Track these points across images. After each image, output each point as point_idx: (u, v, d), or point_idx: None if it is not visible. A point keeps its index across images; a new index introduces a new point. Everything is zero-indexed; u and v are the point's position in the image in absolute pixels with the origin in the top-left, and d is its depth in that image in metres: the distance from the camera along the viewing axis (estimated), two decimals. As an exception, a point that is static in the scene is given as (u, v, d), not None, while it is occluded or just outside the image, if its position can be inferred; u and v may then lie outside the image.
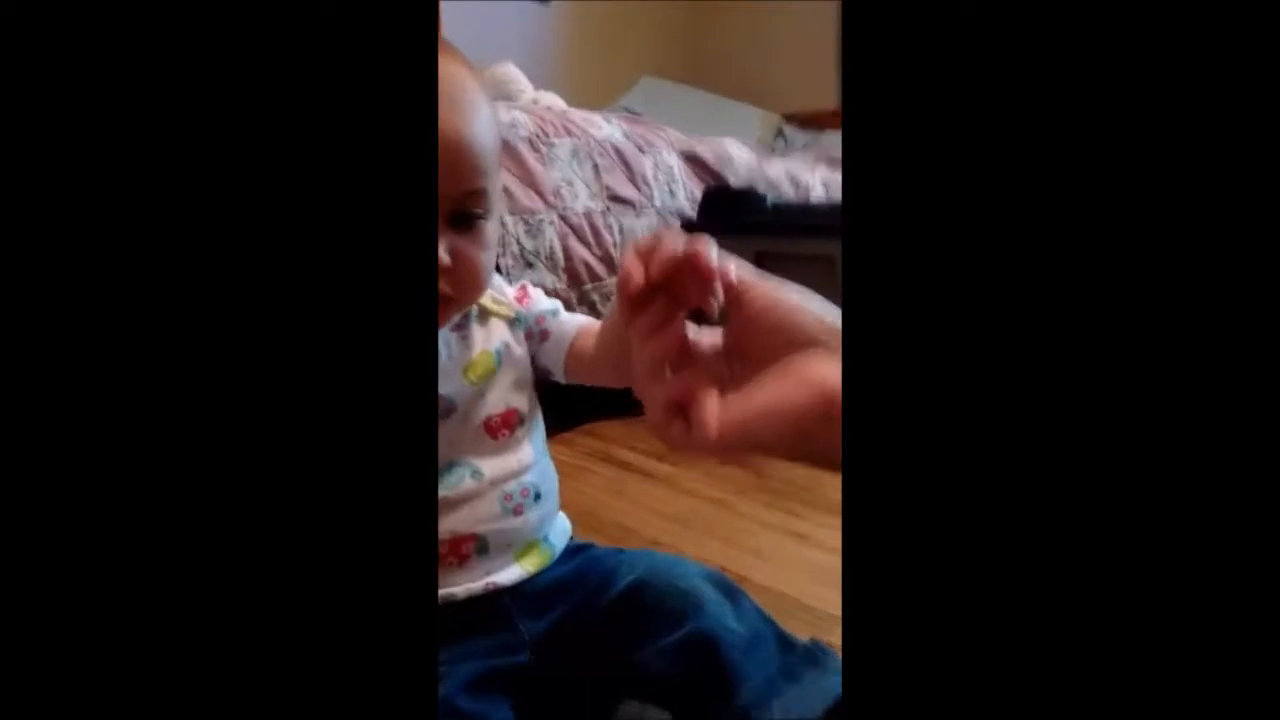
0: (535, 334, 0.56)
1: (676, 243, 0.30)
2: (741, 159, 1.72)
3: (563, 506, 0.58)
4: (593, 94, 2.35)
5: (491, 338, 0.53)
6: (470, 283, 0.47)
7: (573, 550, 0.56)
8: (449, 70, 0.45)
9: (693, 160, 1.63)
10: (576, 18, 2.60)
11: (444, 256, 0.45)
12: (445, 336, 0.51)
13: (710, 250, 0.29)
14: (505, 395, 0.53)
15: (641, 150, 1.54)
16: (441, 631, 0.47)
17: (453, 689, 0.45)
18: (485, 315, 0.54)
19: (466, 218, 0.46)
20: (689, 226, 1.53)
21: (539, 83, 2.02)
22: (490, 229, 0.48)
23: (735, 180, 1.65)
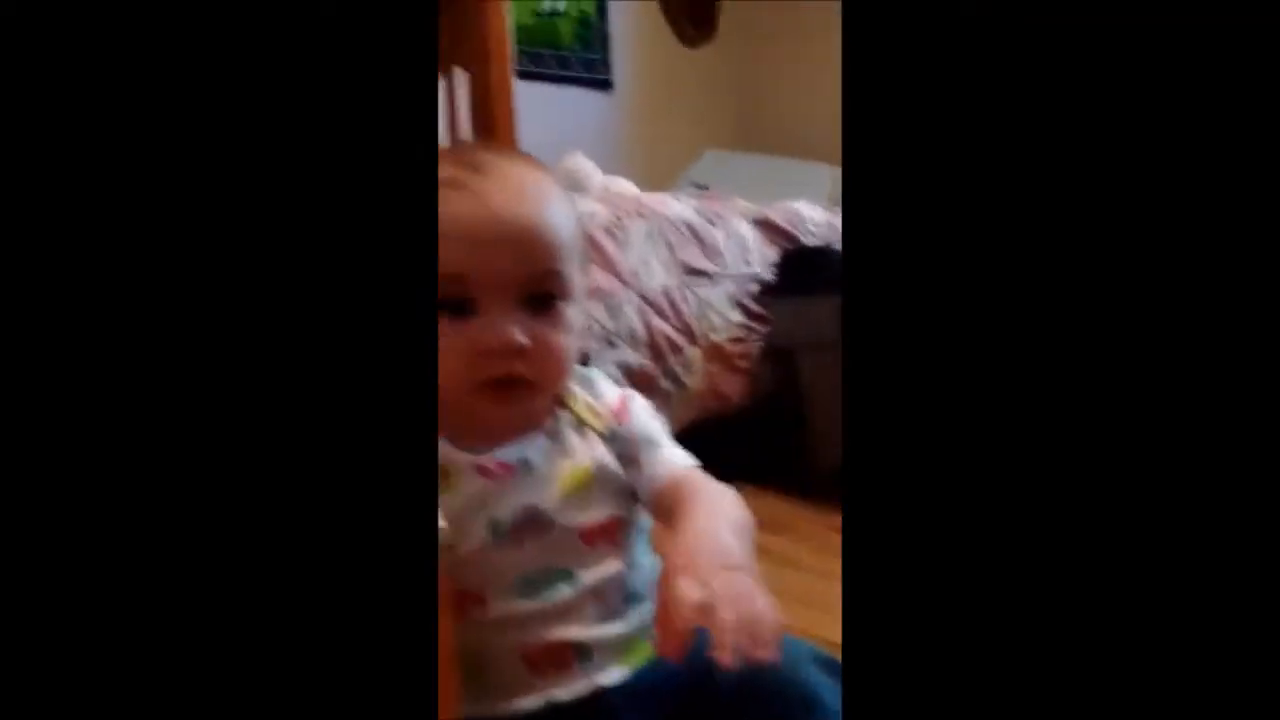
0: (627, 458, 0.53)
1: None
2: (814, 218, 1.72)
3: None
4: (659, 172, 2.43)
5: (590, 452, 0.52)
6: (550, 366, 0.48)
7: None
8: (516, 169, 0.49)
9: (765, 225, 1.64)
10: (638, 100, 2.72)
11: (521, 339, 0.46)
12: (539, 443, 0.51)
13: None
14: (604, 506, 0.52)
15: (712, 223, 1.57)
16: None
17: None
18: (582, 425, 0.52)
19: (543, 300, 0.47)
20: (767, 290, 1.53)
21: (607, 168, 2.10)
22: (570, 313, 0.49)
23: (810, 240, 1.65)
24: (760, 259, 1.59)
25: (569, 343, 0.49)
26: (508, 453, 0.50)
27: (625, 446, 0.54)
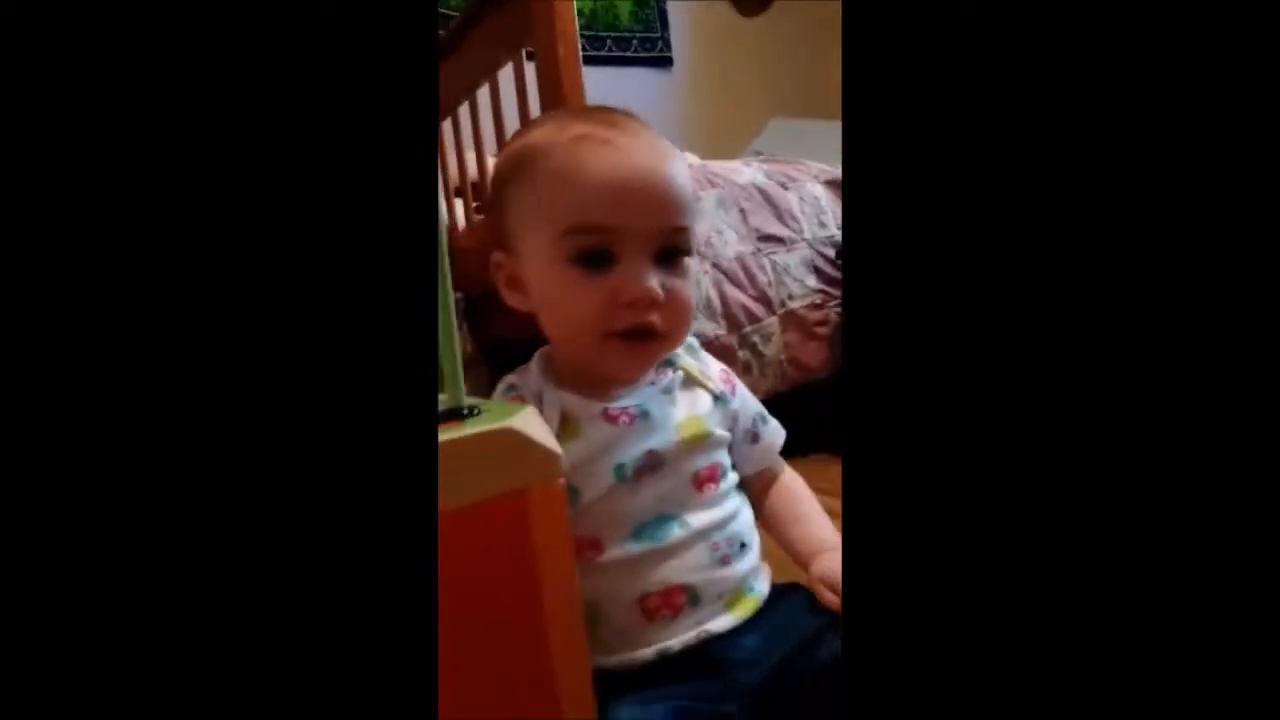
0: (746, 431, 0.57)
1: None
2: (888, 178, 1.66)
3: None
4: (725, 144, 2.40)
5: (698, 405, 0.55)
6: (680, 318, 0.50)
7: (779, 593, 0.55)
8: (644, 129, 0.51)
9: (838, 186, 1.60)
10: (699, 75, 2.69)
11: (657, 289, 0.48)
12: (654, 395, 0.53)
13: None
14: (711, 454, 0.54)
15: (785, 187, 1.54)
16: (658, 683, 0.47)
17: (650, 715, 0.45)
18: (690, 382, 0.55)
19: (673, 254, 0.49)
20: (843, 252, 1.49)
21: (673, 144, 2.09)
22: (692, 268, 0.52)
23: (885, 200, 1.60)
24: (835, 221, 1.55)
25: (693, 296, 0.52)
26: (627, 402, 0.52)
27: (734, 416, 0.57)
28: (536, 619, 0.29)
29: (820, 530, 0.57)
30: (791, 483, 0.60)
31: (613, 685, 0.45)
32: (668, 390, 0.54)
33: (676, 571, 0.50)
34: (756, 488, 0.59)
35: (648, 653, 0.49)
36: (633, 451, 0.51)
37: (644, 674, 0.48)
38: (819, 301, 1.50)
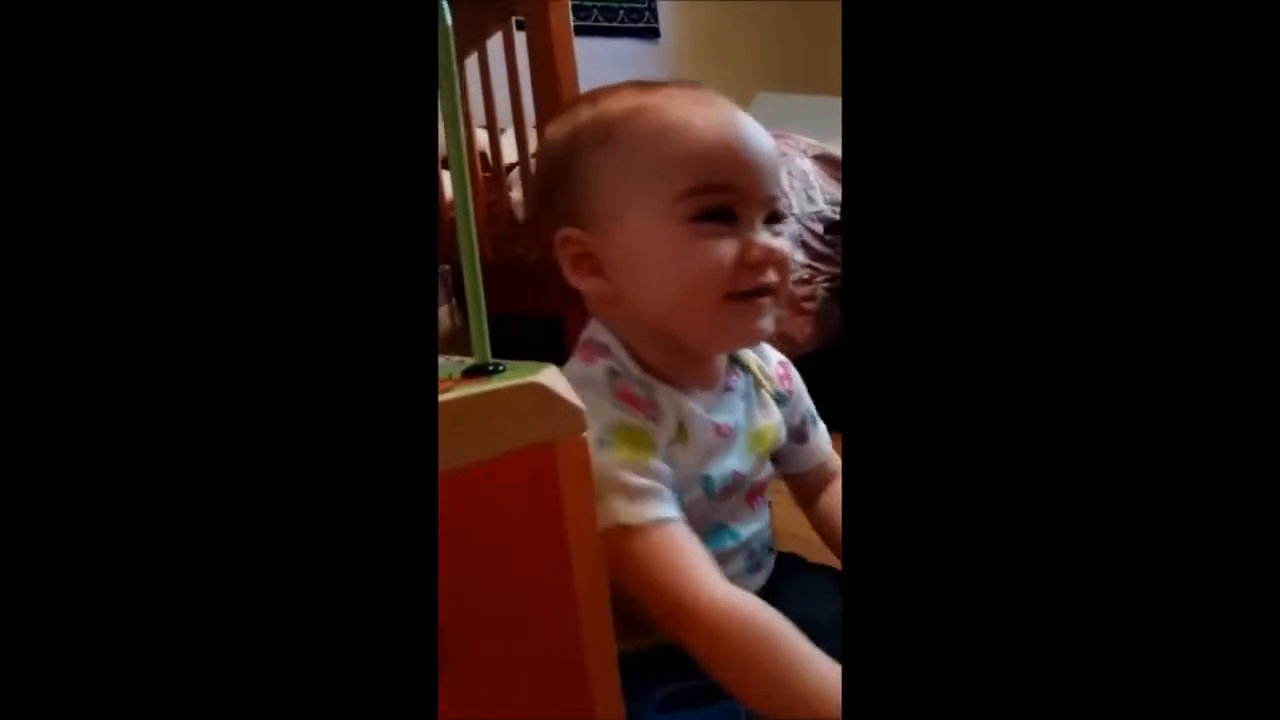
0: (796, 430, 0.56)
1: None
2: (876, 153, 1.67)
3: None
4: (711, 118, 2.39)
5: (769, 413, 0.54)
6: (787, 280, 0.49)
7: (782, 563, 0.57)
8: (734, 111, 0.48)
9: (826, 161, 1.61)
10: (686, 47, 2.67)
11: (775, 245, 0.47)
12: (739, 406, 0.52)
13: None
14: (769, 465, 0.55)
15: (773, 161, 1.54)
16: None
17: (645, 709, 0.44)
18: (759, 388, 0.54)
19: (775, 218, 0.49)
20: (832, 228, 1.50)
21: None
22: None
23: (873, 175, 1.61)
24: (824, 196, 1.56)
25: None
26: (724, 415, 0.51)
27: (791, 416, 0.57)
28: (563, 570, 0.30)
29: None
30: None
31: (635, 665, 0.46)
32: (746, 397, 0.53)
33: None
34: (809, 485, 0.58)
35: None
36: (723, 468, 0.50)
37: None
38: (806, 277, 1.51)
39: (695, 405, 0.49)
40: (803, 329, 1.51)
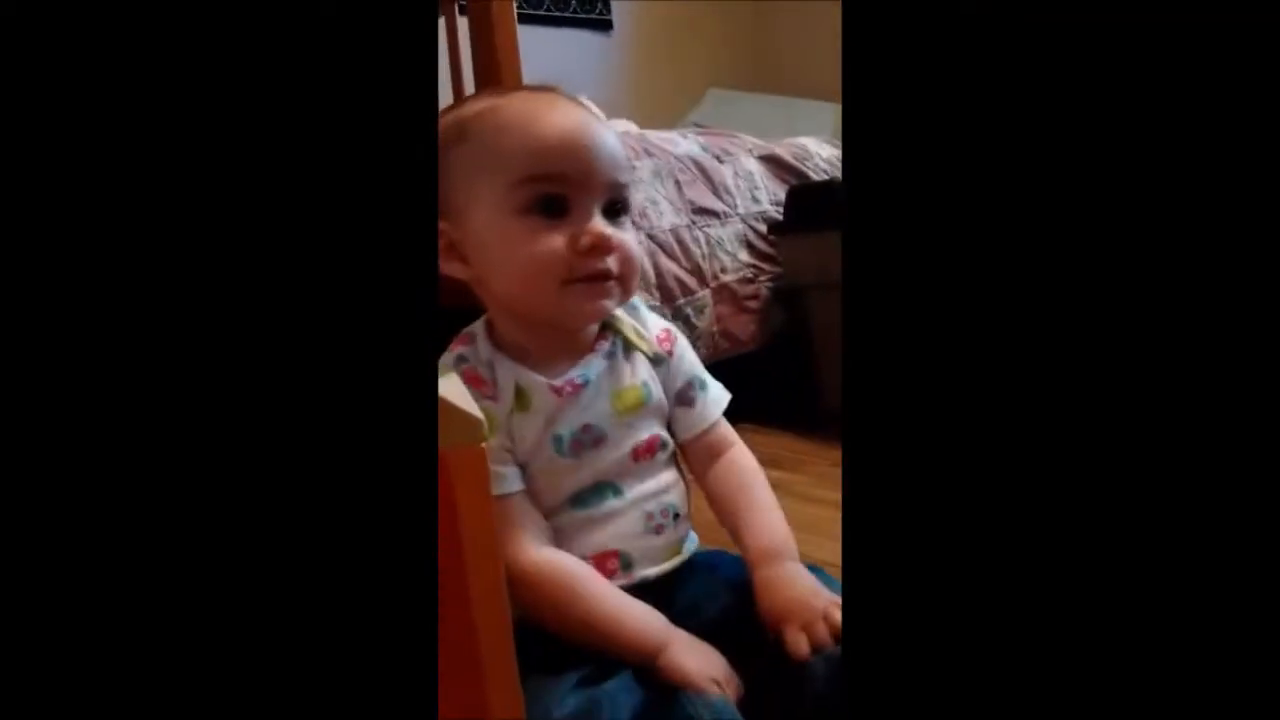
0: (680, 394, 0.57)
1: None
2: (821, 154, 1.70)
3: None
4: (661, 113, 2.39)
5: (637, 372, 0.55)
6: (632, 265, 0.51)
7: (703, 559, 0.57)
8: (572, 102, 0.52)
9: (772, 162, 1.62)
10: (638, 41, 2.65)
11: (610, 234, 0.49)
12: (597, 364, 0.53)
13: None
14: (649, 424, 0.55)
15: (720, 160, 1.55)
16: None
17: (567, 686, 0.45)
18: (630, 349, 0.55)
19: (618, 209, 0.51)
20: (776, 228, 1.52)
21: (609, 109, 2.06)
22: (630, 224, 0.53)
23: (817, 175, 1.63)
24: (769, 196, 1.58)
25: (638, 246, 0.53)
26: (573, 373, 0.52)
27: (671, 378, 0.57)
28: (459, 578, 0.29)
29: (769, 523, 0.54)
30: (740, 459, 0.58)
31: (547, 645, 0.46)
32: (610, 356, 0.54)
33: (609, 538, 0.51)
34: (698, 456, 0.58)
35: None
36: (571, 424, 0.51)
37: None
38: (750, 276, 1.52)
39: (536, 374, 0.51)
40: (746, 327, 1.52)
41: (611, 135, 0.51)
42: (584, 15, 2.51)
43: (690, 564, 0.55)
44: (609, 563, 0.51)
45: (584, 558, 0.50)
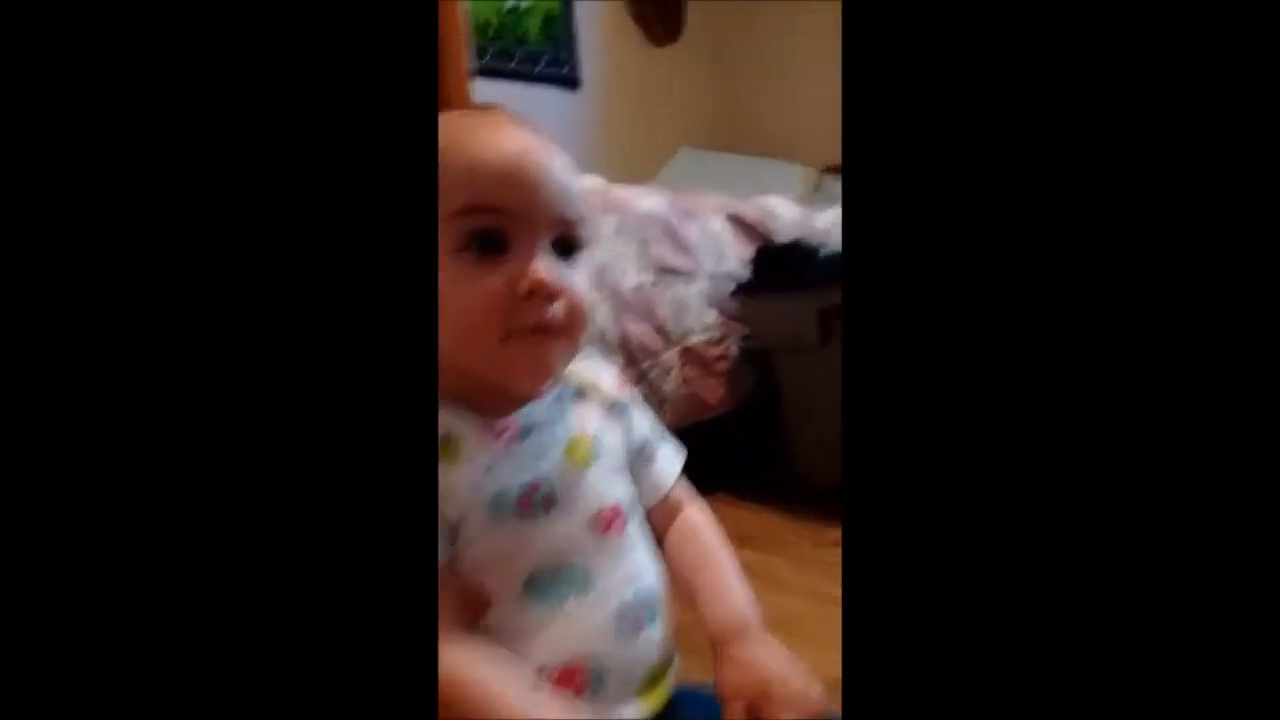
0: (637, 450, 0.49)
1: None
2: (787, 214, 1.67)
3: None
4: (631, 172, 2.37)
5: (587, 420, 0.46)
6: (580, 315, 0.42)
7: (685, 697, 0.46)
8: (527, 132, 0.44)
9: (738, 221, 1.59)
10: (608, 99, 2.66)
11: (554, 279, 0.40)
12: (543, 408, 0.45)
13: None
14: (610, 484, 0.45)
15: (686, 218, 1.51)
16: None
17: None
18: (582, 393, 0.47)
19: (569, 246, 0.43)
20: (741, 288, 1.47)
21: (579, 166, 2.03)
22: (585, 263, 0.44)
23: (783, 236, 1.60)
24: (734, 256, 1.54)
25: (589, 291, 0.44)
26: (515, 416, 0.44)
27: (629, 431, 0.49)
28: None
29: (730, 591, 0.47)
30: (699, 519, 0.50)
31: None
32: (558, 400, 0.45)
33: (577, 641, 0.41)
34: (658, 522, 0.50)
35: None
36: (514, 478, 0.42)
37: None
38: (718, 337, 1.47)
39: (469, 414, 0.43)
40: (715, 391, 1.46)
41: (561, 162, 0.43)
42: (552, 72, 2.51)
43: (673, 706, 0.45)
44: (575, 678, 0.41)
45: (545, 671, 0.40)
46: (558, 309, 0.41)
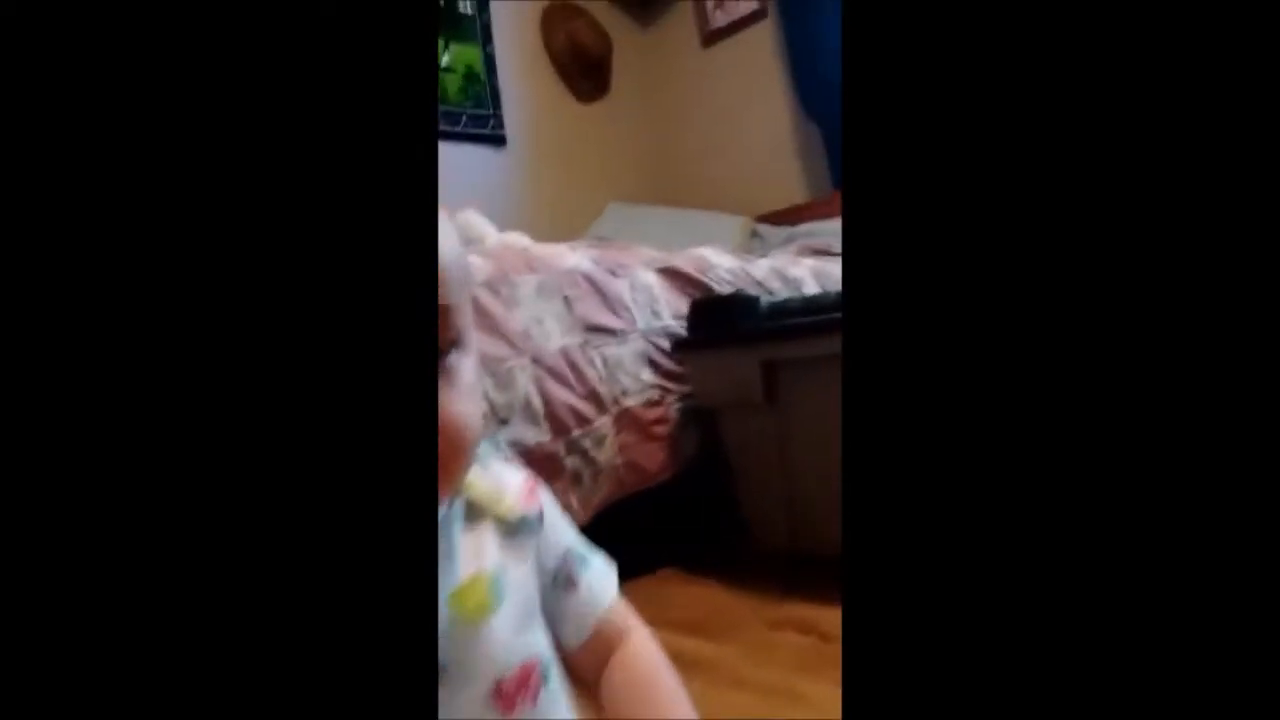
0: (558, 577, 0.39)
1: None
2: (723, 264, 1.59)
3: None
4: (560, 228, 2.29)
5: (483, 552, 0.36)
6: (451, 442, 0.31)
7: None
8: None
9: (671, 274, 1.50)
10: (534, 155, 2.60)
11: None
12: None
13: None
14: (515, 638, 0.35)
15: (615, 274, 1.41)
16: None
17: None
18: (474, 513, 0.36)
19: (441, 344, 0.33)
20: (680, 345, 1.38)
21: (505, 225, 1.94)
22: (467, 369, 0.33)
23: (720, 287, 1.52)
24: (670, 311, 1.44)
25: (470, 410, 0.32)
26: None
27: (544, 552, 0.38)
28: None
29: None
30: (641, 656, 0.40)
31: None
32: (444, 529, 0.34)
33: None
34: (588, 662, 0.39)
35: None
36: None
37: None
38: (656, 398, 1.36)
39: None
40: (655, 456, 1.34)
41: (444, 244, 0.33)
42: (475, 131, 2.44)
43: None
44: None
45: None
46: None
